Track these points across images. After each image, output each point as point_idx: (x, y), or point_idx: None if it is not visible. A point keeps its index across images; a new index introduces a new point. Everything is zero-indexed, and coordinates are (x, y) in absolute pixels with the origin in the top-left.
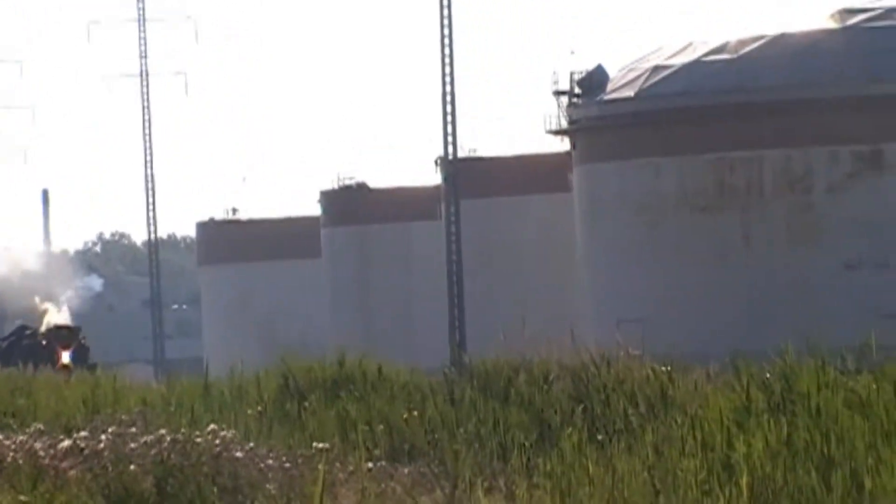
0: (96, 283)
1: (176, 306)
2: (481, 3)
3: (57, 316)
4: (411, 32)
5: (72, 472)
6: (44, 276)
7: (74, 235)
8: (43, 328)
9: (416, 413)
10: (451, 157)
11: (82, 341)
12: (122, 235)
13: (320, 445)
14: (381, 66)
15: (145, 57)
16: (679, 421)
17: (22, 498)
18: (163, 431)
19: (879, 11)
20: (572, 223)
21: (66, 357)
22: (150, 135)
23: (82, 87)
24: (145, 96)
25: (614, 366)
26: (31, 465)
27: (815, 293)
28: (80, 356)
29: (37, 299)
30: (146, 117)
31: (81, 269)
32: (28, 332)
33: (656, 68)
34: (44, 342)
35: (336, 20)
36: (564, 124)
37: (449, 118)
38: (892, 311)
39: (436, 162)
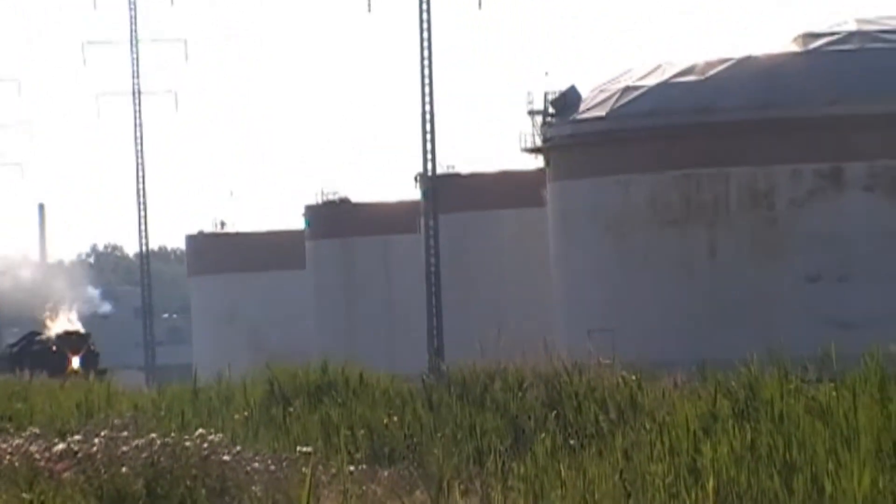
0: (94, 293)
1: (167, 315)
2: (460, 27)
3: (66, 322)
4: (393, 54)
5: (66, 474)
6: (48, 285)
7: (69, 247)
8: (52, 334)
9: (395, 418)
10: (429, 173)
11: (91, 347)
12: (115, 247)
13: (304, 449)
14: (364, 86)
15: (137, 76)
16: (647, 427)
17: (24, 496)
18: (153, 435)
19: (840, 36)
20: (546, 237)
21: (75, 362)
22: (142, 150)
23: (77, 105)
24: (137, 114)
25: (586, 374)
26: (28, 467)
27: (778, 304)
28: (89, 361)
29: (47, 306)
30: (138, 134)
31: (86, 279)
32: (38, 337)
33: (627, 89)
34: (53, 348)
35: (321, 42)
36: (539, 142)
37: (428, 136)
38: (852, 322)
39: (415, 178)
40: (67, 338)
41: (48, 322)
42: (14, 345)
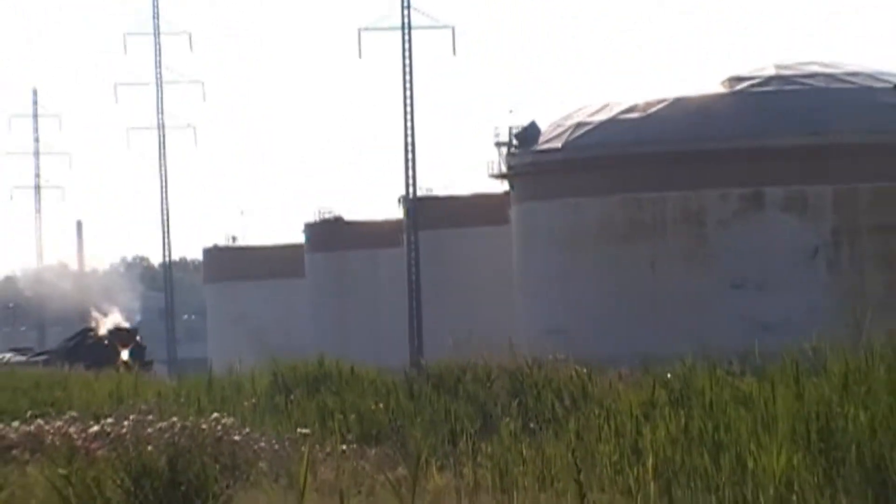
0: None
1: (186, 316)
2: (438, 70)
3: (118, 319)
4: (380, 93)
5: (100, 452)
6: (83, 290)
7: (103, 258)
8: (104, 330)
9: (381, 405)
10: (411, 195)
11: (139, 341)
12: (143, 258)
13: (303, 431)
14: (356, 120)
15: (162, 112)
16: (596, 413)
17: (60, 471)
18: (174, 419)
19: (761, 79)
20: (510, 251)
21: (124, 354)
22: (165, 176)
23: (110, 137)
24: (162, 145)
25: (544, 368)
26: (67, 445)
27: (708, 308)
28: (137, 354)
29: (105, 306)
30: (162, 162)
31: (140, 283)
32: (91, 333)
33: (579, 124)
34: (105, 342)
35: (320, 81)
36: (504, 170)
37: (409, 164)
38: (770, 323)
39: (399, 199)
40: (118, 333)
41: (100, 319)
42: (71, 339)
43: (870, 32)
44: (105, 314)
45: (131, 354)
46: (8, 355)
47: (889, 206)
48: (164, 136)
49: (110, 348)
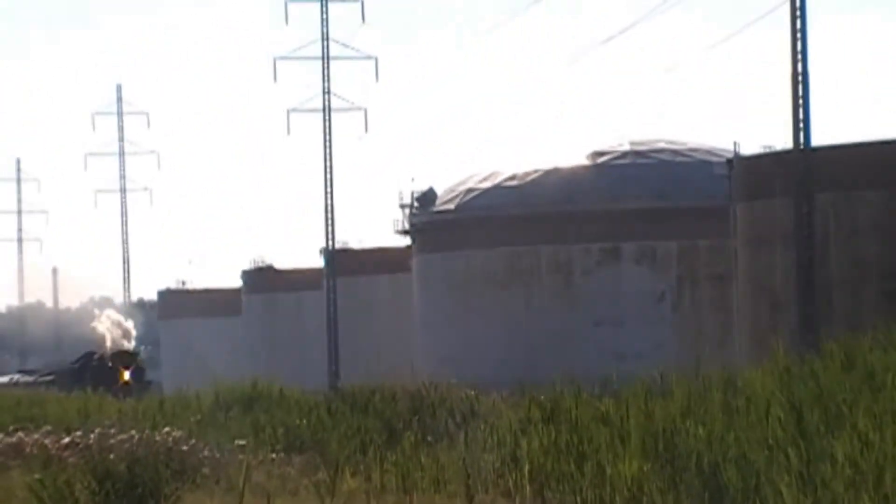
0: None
1: (143, 347)
2: (353, 144)
3: (121, 342)
4: (305, 161)
5: (70, 460)
6: (75, 322)
7: (74, 299)
8: (107, 353)
9: (305, 420)
10: (330, 248)
11: (139, 363)
12: (107, 298)
13: (240, 442)
14: (285, 185)
15: (124, 178)
16: (482, 427)
17: (37, 476)
18: (133, 432)
19: (619, 153)
20: (411, 294)
21: (126, 375)
22: (126, 231)
23: (80, 198)
24: (124, 204)
25: (439, 390)
26: (43, 454)
27: (574, 342)
28: (137, 375)
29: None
30: (124, 219)
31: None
32: (96, 355)
33: (470, 189)
34: (109, 364)
35: (254, 152)
36: (407, 227)
37: (329, 222)
38: (625, 354)
39: (320, 251)
40: (120, 355)
41: (105, 341)
42: (76, 361)
43: (708, 113)
44: (109, 339)
45: (132, 375)
46: (17, 376)
47: (722, 259)
48: (125, 197)
49: (113, 370)
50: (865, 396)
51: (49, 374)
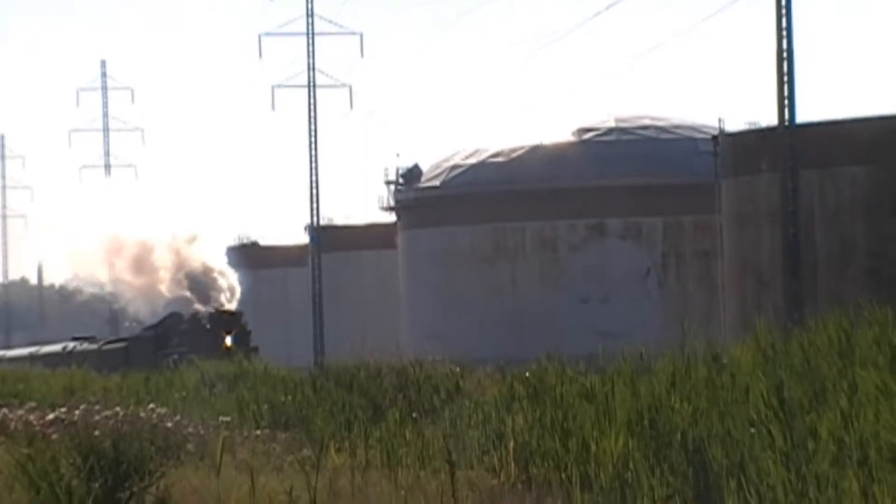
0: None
1: (127, 324)
2: (339, 120)
3: (219, 301)
4: (291, 139)
5: (55, 436)
6: (59, 299)
7: (57, 275)
8: (202, 313)
9: (290, 397)
10: (315, 224)
11: (244, 324)
12: (92, 276)
13: (224, 418)
14: (270, 161)
15: (108, 154)
16: (467, 404)
17: (23, 451)
18: (118, 408)
19: (604, 130)
20: (397, 271)
21: (228, 340)
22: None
23: (65, 175)
24: (108, 182)
25: (424, 367)
26: (28, 430)
27: (559, 319)
28: (242, 339)
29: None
30: (108, 196)
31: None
32: (184, 318)
33: (455, 166)
34: (207, 326)
35: (242, 128)
36: (392, 203)
37: (314, 198)
38: (611, 331)
39: (305, 228)
40: (220, 316)
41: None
42: (153, 326)
43: (693, 90)
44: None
45: (235, 340)
46: (72, 344)
47: (707, 235)
48: (110, 174)
49: (213, 333)
50: (849, 373)
51: (118, 339)
